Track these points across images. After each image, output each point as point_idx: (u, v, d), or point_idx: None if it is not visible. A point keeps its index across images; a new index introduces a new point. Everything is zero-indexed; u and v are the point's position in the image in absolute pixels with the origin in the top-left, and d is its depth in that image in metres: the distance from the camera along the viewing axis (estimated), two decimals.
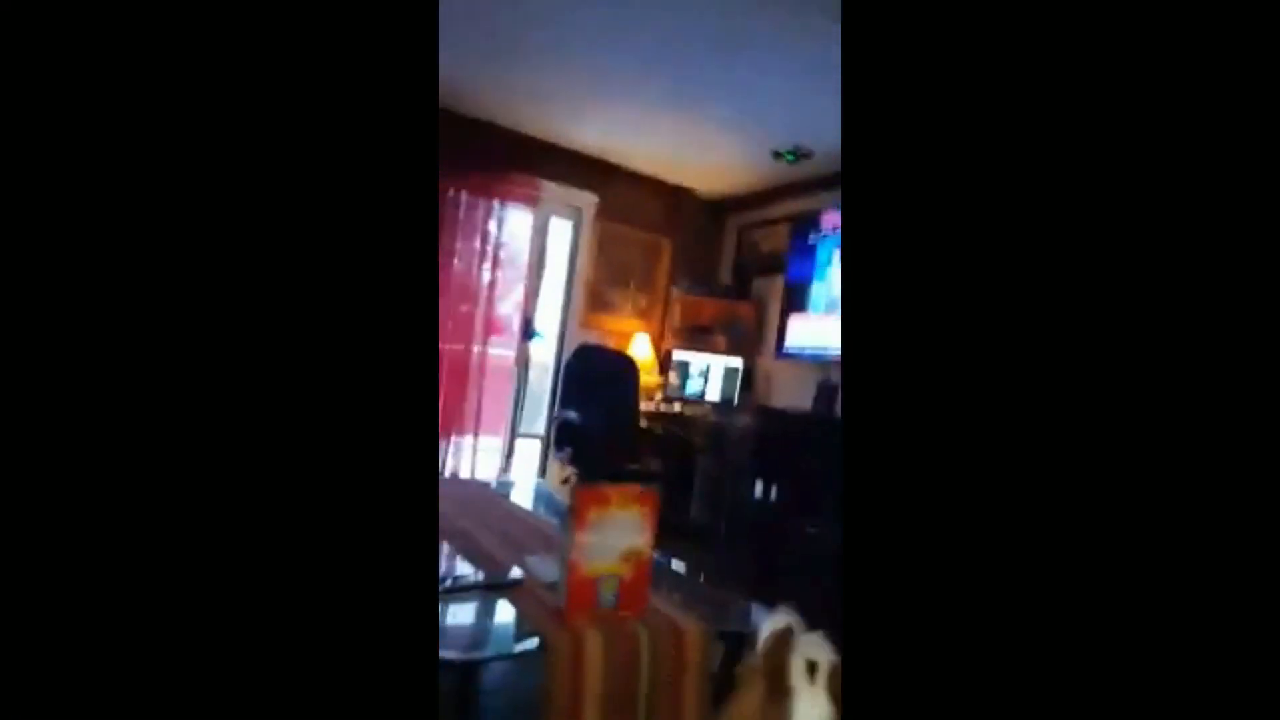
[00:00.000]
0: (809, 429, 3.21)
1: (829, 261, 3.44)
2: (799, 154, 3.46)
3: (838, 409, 3.21)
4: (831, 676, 0.85)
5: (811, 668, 0.85)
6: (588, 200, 4.00)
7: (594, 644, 1.14)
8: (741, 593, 2.00)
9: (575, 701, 1.11)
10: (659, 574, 1.65)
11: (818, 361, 3.46)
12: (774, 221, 4.10)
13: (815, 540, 2.90)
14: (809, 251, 3.57)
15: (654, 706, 1.19)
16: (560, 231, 4.07)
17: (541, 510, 2.20)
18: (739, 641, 1.51)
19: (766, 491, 3.29)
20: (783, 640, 0.89)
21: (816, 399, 3.34)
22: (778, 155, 3.51)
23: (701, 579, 2.01)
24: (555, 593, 1.24)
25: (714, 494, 3.79)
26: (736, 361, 4.01)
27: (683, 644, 1.23)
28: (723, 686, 1.50)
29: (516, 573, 1.37)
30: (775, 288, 3.94)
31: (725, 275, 4.45)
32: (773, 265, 4.01)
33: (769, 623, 0.96)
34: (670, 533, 3.62)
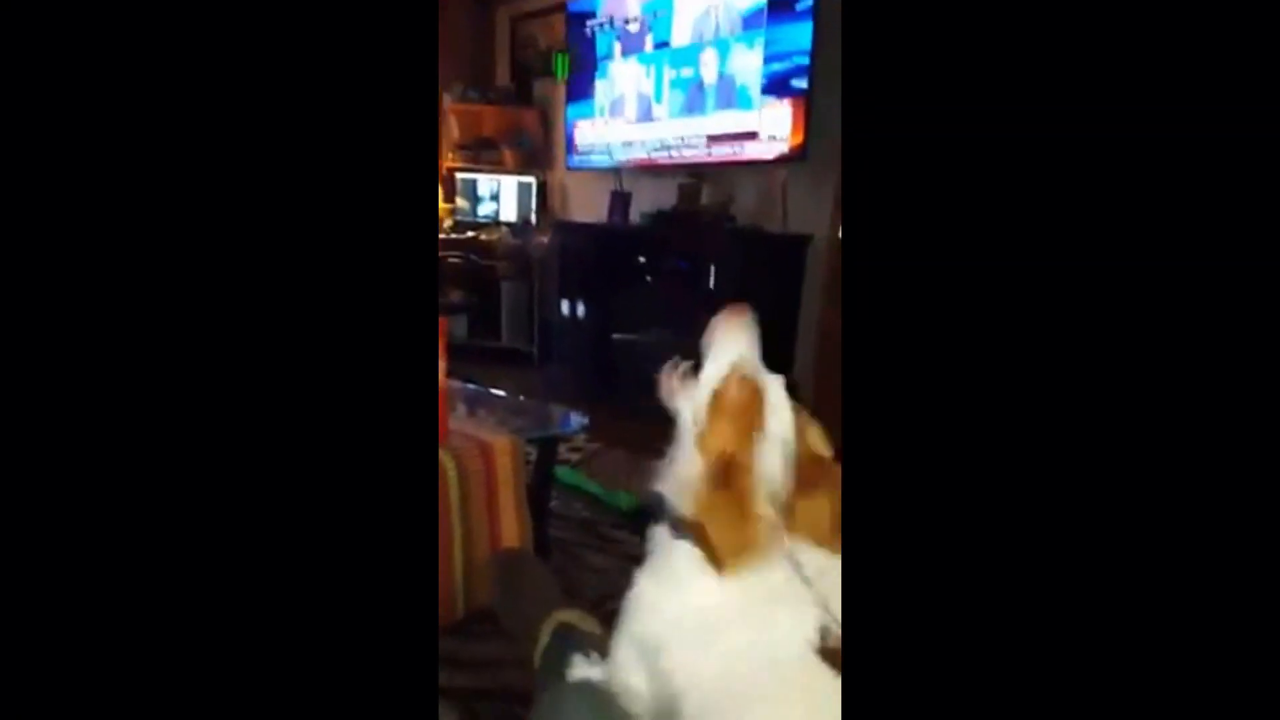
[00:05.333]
0: (608, 241, 3.19)
1: (610, 54, 3.19)
2: None
3: (633, 216, 3.20)
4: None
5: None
6: None
7: None
8: (560, 403, 2.04)
9: None
10: (476, 400, 1.60)
11: (609, 169, 3.35)
12: (548, 11, 3.66)
13: (625, 346, 3.02)
14: (589, 44, 3.28)
15: (470, 522, 1.19)
16: None
17: None
18: (552, 444, 1.56)
19: (573, 309, 3.31)
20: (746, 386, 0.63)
21: (611, 209, 3.29)
22: None
23: (520, 398, 2.00)
24: None
25: (523, 317, 3.74)
26: (528, 178, 3.77)
27: (491, 458, 1.21)
28: (540, 491, 1.57)
29: None
30: (557, 90, 3.63)
31: (502, 76, 4.00)
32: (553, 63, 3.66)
33: (720, 339, 0.66)
34: (484, 361, 3.57)
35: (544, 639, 0.86)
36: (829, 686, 0.55)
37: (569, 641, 0.81)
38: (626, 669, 0.65)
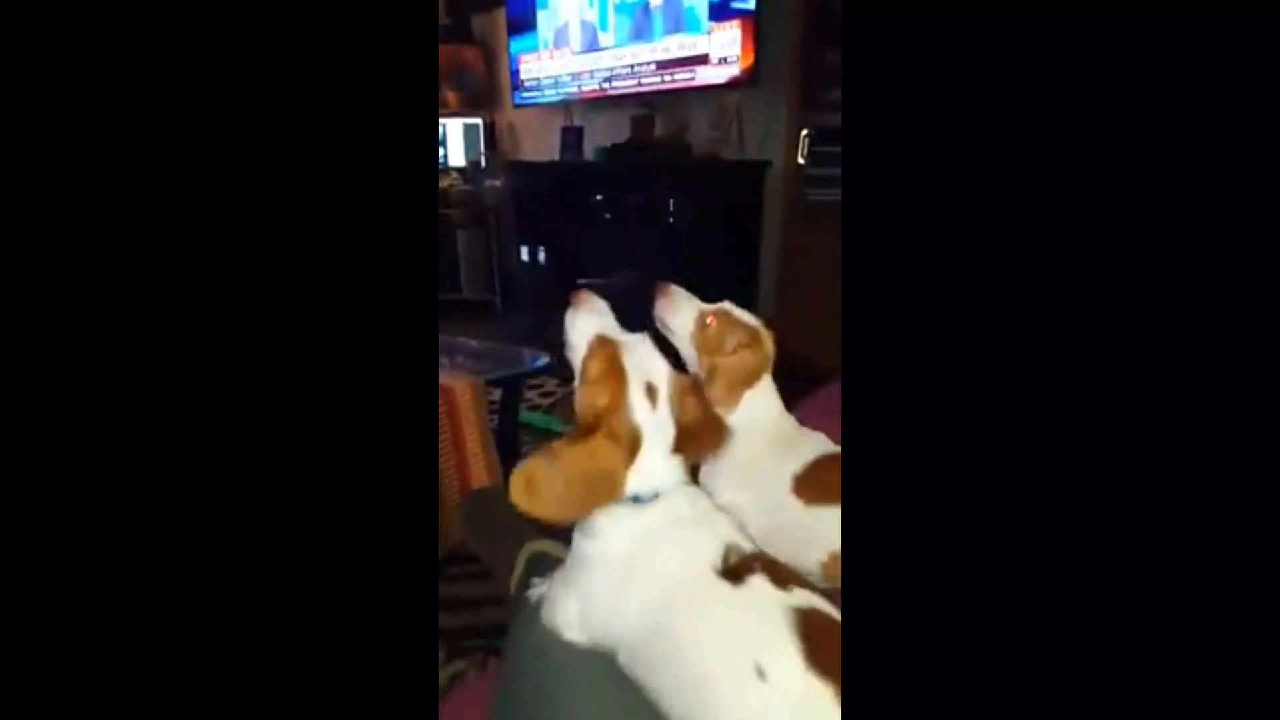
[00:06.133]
0: (563, 180, 3.10)
1: None
2: None
3: (587, 151, 3.10)
4: (672, 393, 0.63)
5: (652, 392, 0.63)
6: None
7: None
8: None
9: None
10: (451, 351, 1.57)
11: (558, 104, 3.22)
12: None
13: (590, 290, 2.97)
14: None
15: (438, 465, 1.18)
16: None
17: None
18: (516, 384, 1.55)
19: (533, 253, 3.24)
20: (604, 353, 0.64)
21: (564, 146, 3.18)
22: None
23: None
24: None
25: (481, 266, 3.65)
26: (474, 119, 3.61)
27: (452, 400, 1.19)
28: (508, 432, 1.56)
29: None
30: (498, 23, 3.44)
31: (440, 12, 3.77)
32: None
33: (572, 325, 0.69)
34: (445, 314, 3.49)
35: (519, 568, 0.87)
36: (731, 602, 0.57)
37: (545, 567, 0.82)
38: (567, 620, 0.66)
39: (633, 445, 0.62)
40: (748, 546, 0.62)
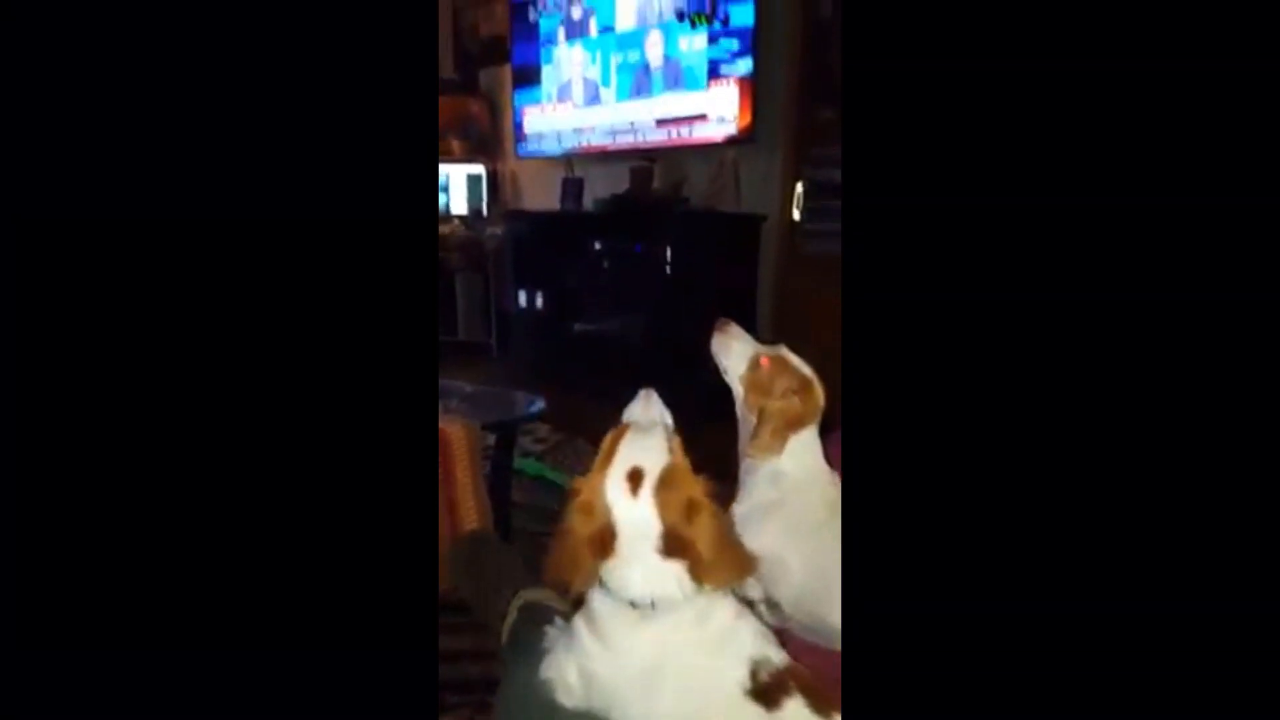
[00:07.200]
0: (562, 229, 3.15)
1: (554, 40, 3.14)
2: None
3: (586, 203, 3.16)
4: (661, 484, 0.59)
5: (635, 477, 0.60)
6: None
7: None
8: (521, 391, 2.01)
9: None
10: (446, 394, 1.57)
11: (559, 156, 3.30)
12: None
13: (585, 337, 2.99)
14: (532, 31, 3.22)
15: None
16: None
17: None
18: (510, 428, 1.53)
19: (531, 299, 3.26)
20: (613, 434, 0.64)
21: (564, 196, 3.25)
22: None
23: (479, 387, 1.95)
24: None
25: (479, 310, 3.67)
26: (477, 168, 3.69)
27: (446, 445, 1.18)
28: (500, 478, 1.54)
29: None
30: (503, 77, 3.56)
31: (447, 67, 3.90)
32: (496, 51, 3.59)
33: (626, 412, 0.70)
34: (441, 356, 3.49)
35: (511, 617, 0.85)
36: None
37: (537, 616, 0.80)
38: (566, 685, 0.63)
39: (604, 529, 0.59)
40: (777, 659, 0.59)
